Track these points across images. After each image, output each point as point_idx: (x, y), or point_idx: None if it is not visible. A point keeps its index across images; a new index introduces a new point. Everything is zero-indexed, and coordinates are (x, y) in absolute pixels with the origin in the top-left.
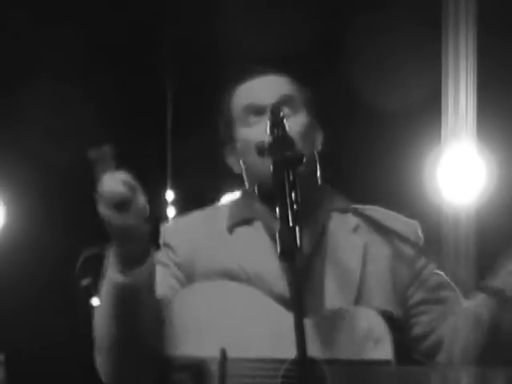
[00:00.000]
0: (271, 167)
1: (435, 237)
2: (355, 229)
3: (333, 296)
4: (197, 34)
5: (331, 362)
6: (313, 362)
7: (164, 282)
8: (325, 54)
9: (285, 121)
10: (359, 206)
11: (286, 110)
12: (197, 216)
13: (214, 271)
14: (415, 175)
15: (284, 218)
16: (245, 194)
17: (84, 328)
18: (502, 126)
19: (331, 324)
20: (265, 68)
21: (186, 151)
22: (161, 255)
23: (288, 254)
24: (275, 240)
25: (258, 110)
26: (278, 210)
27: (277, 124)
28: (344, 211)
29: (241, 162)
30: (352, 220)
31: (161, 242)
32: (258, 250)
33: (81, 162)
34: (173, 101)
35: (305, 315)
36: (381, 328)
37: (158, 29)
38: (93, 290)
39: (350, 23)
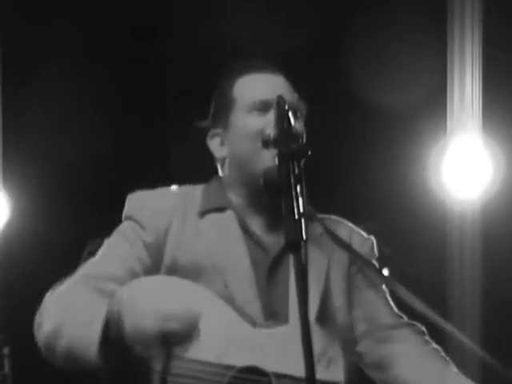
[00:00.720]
0: (266, 159)
1: (440, 233)
2: (321, 235)
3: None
4: (197, 32)
5: (282, 376)
6: (262, 373)
7: (126, 262)
8: (330, 44)
9: (290, 113)
10: (321, 216)
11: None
12: (169, 195)
13: (181, 256)
14: (420, 169)
15: (290, 210)
16: (218, 182)
17: None
18: (508, 118)
19: (286, 338)
20: (269, 64)
21: (188, 145)
22: (126, 228)
23: (294, 246)
24: (246, 230)
25: (264, 105)
26: (283, 202)
27: (282, 116)
28: (310, 219)
29: (226, 148)
30: (318, 228)
31: (126, 213)
32: (228, 238)
33: (86, 156)
34: (174, 95)
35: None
36: (335, 350)
37: (158, 26)
38: None
39: (356, 13)
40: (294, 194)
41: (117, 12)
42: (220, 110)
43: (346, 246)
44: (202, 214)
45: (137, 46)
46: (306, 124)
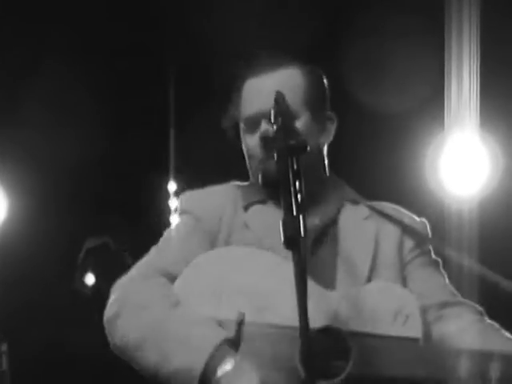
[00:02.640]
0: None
1: (438, 229)
2: (367, 218)
3: (347, 273)
4: (197, 31)
5: (358, 335)
6: (338, 332)
7: (191, 246)
8: (328, 42)
9: (289, 109)
10: (369, 202)
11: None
12: (218, 191)
13: (233, 244)
14: (418, 166)
15: (288, 206)
16: (252, 183)
17: (86, 319)
18: (505, 115)
19: (361, 297)
20: (277, 59)
21: (189, 142)
22: (186, 221)
23: (291, 242)
24: None
25: (253, 122)
26: (281, 198)
27: (280, 113)
28: (355, 203)
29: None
30: (364, 210)
31: (180, 209)
32: (272, 225)
33: (84, 156)
34: (175, 92)
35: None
36: (412, 306)
37: (160, 24)
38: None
39: (354, 12)
40: (292, 189)
41: (117, 12)
42: (236, 118)
43: (397, 221)
44: (247, 206)
45: (137, 46)
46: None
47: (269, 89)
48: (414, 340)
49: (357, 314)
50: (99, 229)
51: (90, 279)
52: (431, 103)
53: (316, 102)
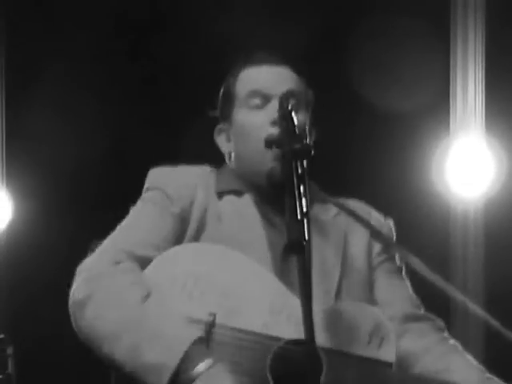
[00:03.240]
0: (268, 159)
1: (443, 231)
2: (335, 215)
3: (317, 275)
4: (198, 30)
5: (331, 351)
6: (313, 348)
7: (161, 229)
8: (332, 44)
9: (293, 113)
10: (340, 199)
11: (293, 103)
12: (191, 171)
13: (204, 233)
14: (423, 169)
15: (292, 210)
16: (230, 168)
17: None
18: (511, 118)
19: (338, 314)
20: (274, 56)
21: (190, 146)
22: (156, 197)
23: (295, 246)
24: (262, 214)
25: (262, 98)
26: (286, 202)
27: (285, 116)
28: (323, 201)
29: (231, 144)
30: (332, 209)
31: (150, 185)
32: (246, 221)
33: (88, 158)
34: (176, 96)
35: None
36: (387, 328)
37: (158, 23)
38: None
39: (358, 17)
40: (297, 193)
41: (117, 12)
42: (224, 105)
43: (364, 223)
44: (220, 194)
45: (137, 46)
46: (314, 113)
47: (274, 75)
48: (388, 364)
49: (332, 331)
50: (103, 232)
51: None
52: (437, 107)
53: (308, 104)
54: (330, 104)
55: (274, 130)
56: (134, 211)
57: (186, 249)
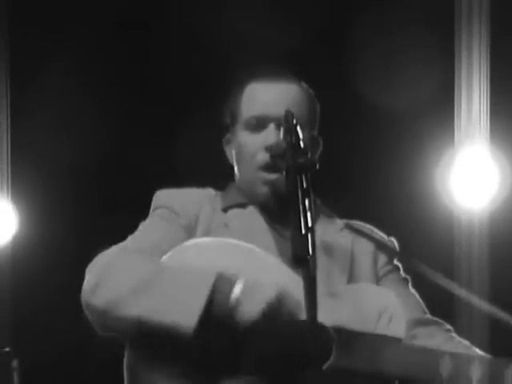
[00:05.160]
0: (259, 183)
1: (448, 242)
2: (341, 229)
3: (323, 288)
4: (198, 29)
5: (341, 331)
6: (322, 327)
7: (168, 237)
8: (332, 54)
9: (298, 127)
10: (343, 220)
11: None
12: (195, 191)
13: None
14: (428, 179)
15: (296, 225)
16: (234, 186)
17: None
18: None
19: (347, 295)
20: (280, 72)
21: (191, 146)
22: (164, 214)
23: (300, 260)
24: (269, 223)
25: (262, 120)
26: (290, 216)
27: (290, 130)
28: (329, 216)
29: (234, 158)
30: (338, 222)
31: (157, 204)
32: (254, 230)
33: (93, 169)
34: (175, 92)
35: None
36: (395, 305)
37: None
38: None
39: (359, 21)
40: (301, 208)
41: (118, 13)
42: (230, 118)
43: (369, 237)
44: (225, 209)
45: (137, 46)
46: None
47: (276, 95)
48: (398, 340)
49: (341, 311)
50: (108, 241)
51: None
52: (441, 118)
53: (313, 121)
54: (332, 113)
55: (266, 157)
56: (143, 225)
57: (195, 243)
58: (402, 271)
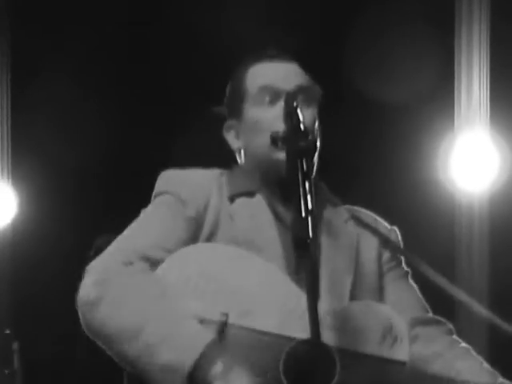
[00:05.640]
0: (278, 154)
1: (448, 225)
2: (346, 220)
3: (330, 278)
4: (198, 28)
5: (345, 352)
6: (325, 348)
7: (174, 233)
8: (333, 43)
9: (299, 110)
10: (347, 206)
11: (300, 99)
12: (204, 173)
13: (218, 236)
14: (428, 163)
15: (297, 208)
16: (240, 168)
17: None
18: None
19: (351, 314)
20: (282, 53)
21: (191, 145)
22: (169, 202)
23: (300, 244)
24: (275, 213)
25: (274, 93)
26: (292, 200)
27: (291, 114)
28: (335, 205)
29: (241, 140)
30: (344, 213)
31: (161, 189)
32: (259, 221)
33: (92, 154)
34: (175, 92)
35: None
36: (401, 327)
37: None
38: None
39: (361, 12)
40: (301, 191)
41: (117, 12)
42: (233, 101)
43: (374, 230)
44: (232, 198)
45: (136, 46)
46: (320, 112)
47: (284, 71)
48: (401, 364)
49: (344, 330)
50: (107, 227)
51: None
52: (442, 102)
53: (316, 99)
54: (332, 102)
55: (280, 126)
56: (146, 214)
57: (198, 248)
58: (404, 265)
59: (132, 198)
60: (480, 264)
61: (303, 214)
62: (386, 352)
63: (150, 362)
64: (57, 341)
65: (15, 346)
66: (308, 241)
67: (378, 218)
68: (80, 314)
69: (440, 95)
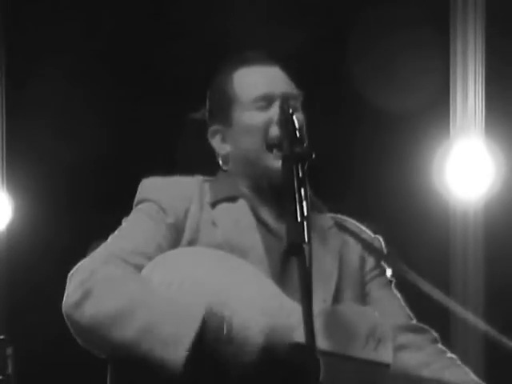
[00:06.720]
0: (271, 160)
1: (443, 232)
2: (330, 227)
3: (315, 287)
4: (197, 28)
5: (329, 354)
6: (309, 350)
7: (154, 238)
8: (330, 50)
9: (294, 117)
10: (331, 214)
11: (292, 104)
12: (185, 181)
13: (198, 242)
14: (424, 171)
15: (292, 212)
16: (225, 174)
17: None
18: (510, 121)
19: (334, 316)
20: (264, 56)
21: (189, 144)
22: (149, 209)
23: (295, 248)
24: (258, 219)
25: (268, 99)
26: (286, 205)
27: (286, 120)
28: (320, 211)
29: (228, 145)
30: (328, 220)
31: (142, 196)
32: (242, 227)
33: (87, 158)
34: (174, 96)
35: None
36: (384, 329)
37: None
38: None
39: (356, 20)
40: (297, 196)
41: (116, 11)
42: (219, 106)
43: (357, 237)
44: (214, 204)
45: (132, 45)
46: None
47: (273, 75)
48: (385, 365)
49: (328, 333)
50: (102, 232)
51: None
52: (437, 110)
53: (300, 104)
54: (328, 106)
55: (278, 131)
56: (127, 222)
57: (179, 252)
58: (387, 272)
59: (127, 203)
60: (475, 271)
61: (299, 219)
62: (369, 354)
63: (151, 340)
64: (51, 346)
65: (9, 351)
66: (303, 245)
67: (362, 227)
68: (67, 318)
69: (436, 103)
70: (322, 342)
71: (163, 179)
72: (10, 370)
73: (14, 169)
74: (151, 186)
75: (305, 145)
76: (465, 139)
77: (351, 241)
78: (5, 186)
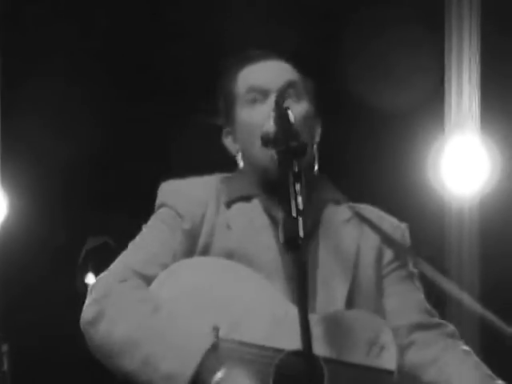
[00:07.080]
0: (273, 155)
1: (438, 228)
2: (348, 220)
3: (326, 282)
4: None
5: (332, 361)
6: (313, 358)
7: (170, 247)
8: (325, 49)
9: (289, 111)
10: (351, 203)
11: (290, 95)
12: (202, 184)
13: (213, 245)
14: (419, 167)
15: (287, 208)
16: (241, 173)
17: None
18: (505, 117)
19: (337, 323)
20: (268, 52)
21: (187, 143)
22: (166, 216)
23: (291, 244)
24: (272, 219)
25: (261, 93)
26: (281, 200)
27: (281, 115)
28: (338, 203)
29: (237, 144)
30: (346, 212)
31: (162, 201)
32: (256, 228)
33: (83, 156)
34: (172, 95)
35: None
36: (388, 336)
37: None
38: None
39: (351, 17)
40: (292, 191)
41: (113, 11)
42: (226, 107)
43: (376, 229)
44: (229, 204)
45: (128, 45)
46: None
47: (273, 69)
48: (388, 372)
49: (332, 340)
50: (97, 230)
51: (90, 279)
52: (432, 106)
53: (311, 94)
54: (324, 103)
55: (270, 127)
56: (146, 229)
57: (188, 263)
58: (410, 265)
59: (122, 200)
60: (470, 267)
61: (294, 214)
62: (373, 361)
63: (150, 373)
64: (46, 342)
65: (4, 348)
66: (299, 241)
67: (384, 214)
68: (83, 332)
69: (431, 99)
70: (325, 349)
71: (181, 182)
72: (5, 366)
73: (9, 166)
74: (169, 190)
75: (300, 139)
76: (460, 135)
77: (370, 234)
78: (0, 181)
